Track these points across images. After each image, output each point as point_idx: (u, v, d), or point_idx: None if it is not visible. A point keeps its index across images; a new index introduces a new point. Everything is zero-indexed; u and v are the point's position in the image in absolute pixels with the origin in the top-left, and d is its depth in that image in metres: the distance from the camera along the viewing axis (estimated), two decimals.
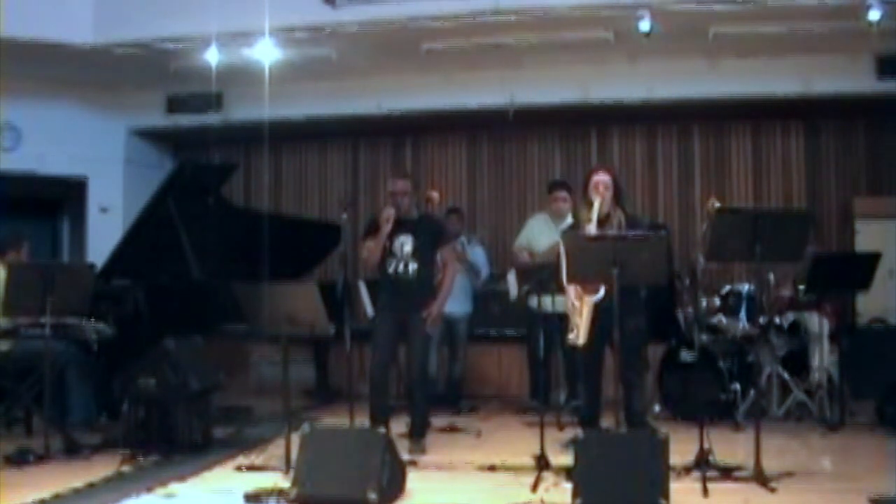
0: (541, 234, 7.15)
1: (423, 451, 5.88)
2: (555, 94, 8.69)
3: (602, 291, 5.03)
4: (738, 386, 6.73)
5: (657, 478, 4.22)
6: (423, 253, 5.95)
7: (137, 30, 7.92)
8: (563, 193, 7.26)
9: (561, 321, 6.01)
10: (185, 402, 5.89)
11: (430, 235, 6.05)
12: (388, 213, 5.86)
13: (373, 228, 6.00)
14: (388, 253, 5.92)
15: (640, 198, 9.30)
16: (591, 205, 5.36)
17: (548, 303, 6.16)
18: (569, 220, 6.98)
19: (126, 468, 5.37)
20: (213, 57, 7.80)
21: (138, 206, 7.55)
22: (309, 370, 8.53)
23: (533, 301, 6.84)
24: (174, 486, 4.97)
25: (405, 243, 5.92)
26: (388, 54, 8.31)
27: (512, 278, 7.04)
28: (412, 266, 5.91)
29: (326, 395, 8.27)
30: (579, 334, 5.19)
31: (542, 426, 5.34)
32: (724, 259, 6.01)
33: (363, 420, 5.68)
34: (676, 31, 7.40)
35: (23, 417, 6.46)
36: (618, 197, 5.50)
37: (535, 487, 4.81)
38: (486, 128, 9.76)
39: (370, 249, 5.93)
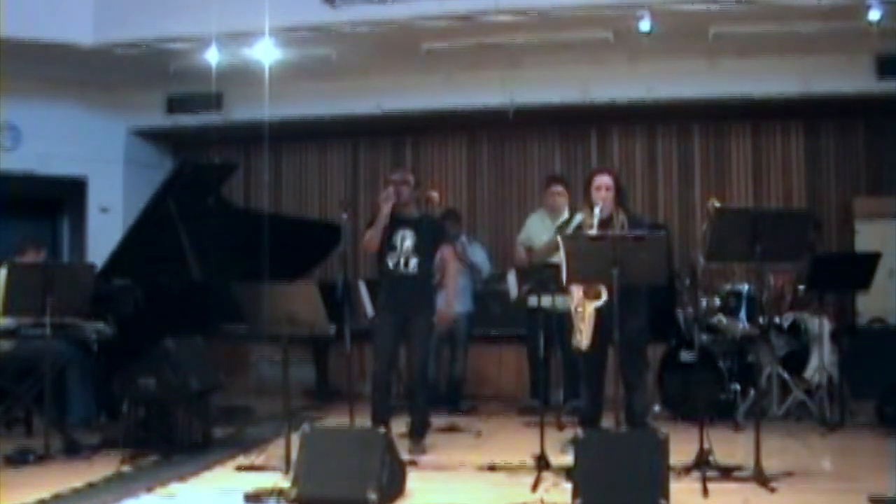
0: (539, 231, 7.16)
1: (423, 451, 5.88)
2: (555, 94, 8.69)
3: (604, 297, 5.04)
4: (738, 386, 6.74)
5: (657, 478, 4.22)
6: (424, 249, 5.94)
7: (137, 30, 7.92)
8: (558, 188, 7.25)
9: (561, 320, 6.03)
10: (185, 402, 5.89)
11: (431, 234, 6.05)
12: (388, 193, 5.85)
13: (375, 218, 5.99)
14: (388, 248, 5.92)
15: (640, 198, 9.29)
16: (592, 207, 5.36)
17: (549, 302, 6.16)
18: (565, 214, 6.98)
19: (126, 468, 5.37)
20: (213, 57, 7.81)
21: (138, 206, 7.54)
22: (309, 370, 8.53)
23: (533, 300, 6.82)
24: (174, 486, 4.98)
25: (406, 238, 5.91)
26: (388, 54, 8.31)
27: (512, 278, 7.04)
28: (413, 261, 5.90)
29: (326, 395, 8.28)
30: (583, 338, 5.19)
31: (542, 426, 5.34)
32: (724, 259, 6.01)
33: (363, 420, 5.68)
34: (676, 31, 7.40)
35: (23, 417, 6.47)
36: (619, 198, 5.50)
37: (535, 487, 4.81)
38: (486, 128, 9.75)
39: (370, 235, 5.92)
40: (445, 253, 6.16)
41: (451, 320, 6.47)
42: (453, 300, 6.08)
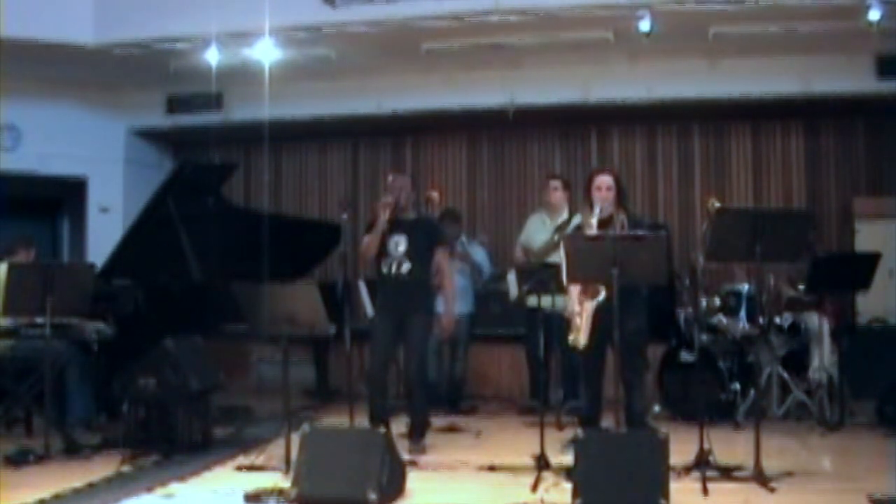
0: (536, 232, 7.16)
1: (423, 451, 5.88)
2: (555, 94, 8.69)
3: (602, 296, 5.04)
4: (738, 386, 6.74)
5: (657, 478, 4.22)
6: (418, 253, 5.94)
7: (137, 30, 7.92)
8: (555, 183, 7.23)
9: (561, 320, 6.02)
10: (185, 402, 5.89)
11: (426, 236, 6.05)
12: (386, 200, 5.86)
13: (373, 223, 6.00)
14: (383, 252, 5.94)
15: (640, 198, 9.29)
16: (592, 207, 5.36)
17: (548, 302, 6.15)
18: (564, 214, 6.97)
19: (126, 468, 5.37)
20: (213, 57, 7.81)
21: (138, 206, 7.55)
22: (309, 370, 8.53)
23: (532, 300, 6.81)
24: (174, 486, 4.98)
25: (399, 243, 5.91)
26: (388, 54, 8.31)
27: (512, 278, 7.03)
28: (406, 265, 5.90)
29: (326, 395, 8.28)
30: (580, 337, 5.19)
31: (542, 426, 5.34)
32: (724, 259, 6.01)
33: (363, 420, 5.68)
34: (676, 31, 7.40)
35: (23, 417, 6.46)
36: (620, 198, 5.50)
37: (535, 487, 4.81)
38: (486, 128, 9.76)
39: (368, 242, 5.93)
40: (439, 256, 6.14)
41: (454, 326, 6.44)
42: (453, 307, 6.06)
